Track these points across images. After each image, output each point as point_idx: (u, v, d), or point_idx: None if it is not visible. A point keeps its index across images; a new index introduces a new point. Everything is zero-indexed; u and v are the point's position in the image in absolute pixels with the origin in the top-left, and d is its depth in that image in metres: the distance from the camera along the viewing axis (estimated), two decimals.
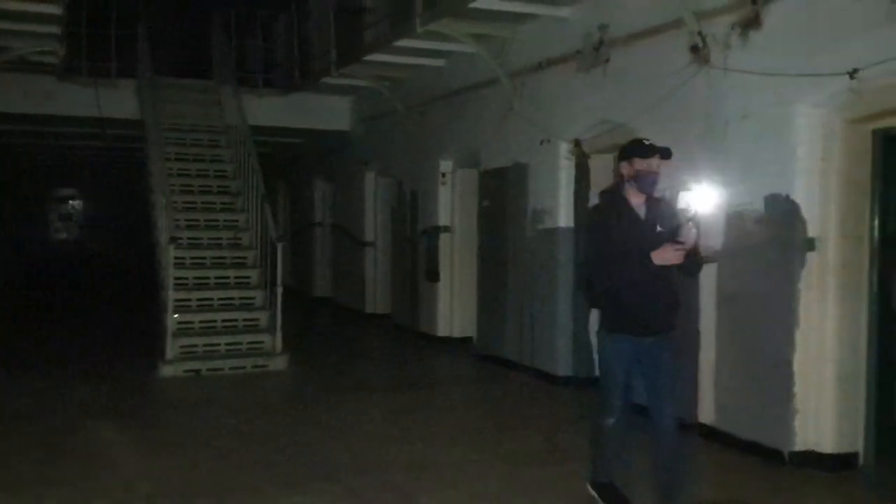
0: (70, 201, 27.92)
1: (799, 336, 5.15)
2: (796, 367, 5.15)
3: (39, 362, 8.70)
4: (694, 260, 4.11)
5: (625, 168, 4.23)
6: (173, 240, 8.08)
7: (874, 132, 5.18)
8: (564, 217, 7.64)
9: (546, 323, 7.80)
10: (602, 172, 7.62)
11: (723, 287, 5.74)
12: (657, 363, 4.20)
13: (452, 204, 10.12)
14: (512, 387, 7.80)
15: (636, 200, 4.22)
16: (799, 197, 5.22)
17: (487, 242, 9.07)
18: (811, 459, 5.13)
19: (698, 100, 5.96)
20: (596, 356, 4.38)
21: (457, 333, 10.12)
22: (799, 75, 5.13)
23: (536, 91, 7.98)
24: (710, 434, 5.74)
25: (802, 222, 5.18)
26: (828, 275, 5.13)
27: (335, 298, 14.19)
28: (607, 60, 6.94)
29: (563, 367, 7.63)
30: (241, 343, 8.49)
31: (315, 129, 13.20)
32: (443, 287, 10.15)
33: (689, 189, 4.73)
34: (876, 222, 5.17)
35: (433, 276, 10.27)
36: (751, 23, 5.60)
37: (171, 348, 8.08)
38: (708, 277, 5.62)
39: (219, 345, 8.40)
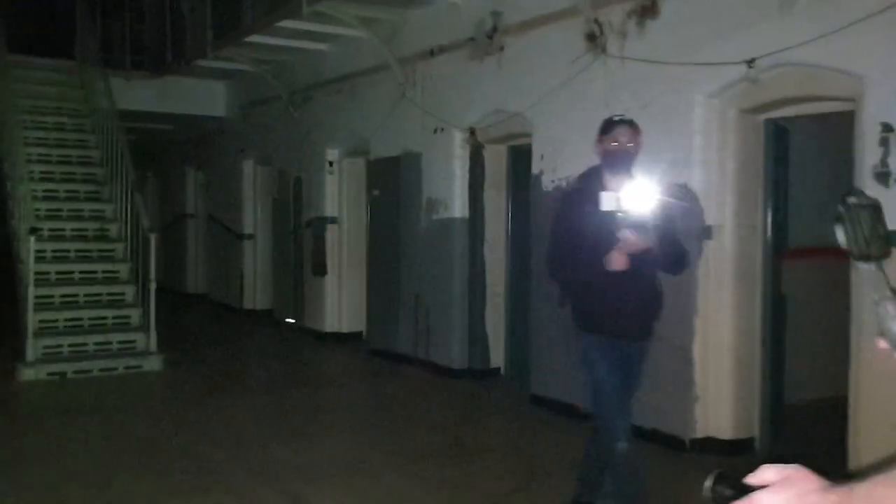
0: None
1: (698, 323, 5.19)
2: (695, 354, 5.19)
3: None
4: (655, 259, 3.62)
5: (597, 149, 3.83)
6: (33, 231, 7.35)
7: (766, 122, 5.29)
8: (460, 207, 7.48)
9: (441, 315, 7.63)
10: (496, 162, 7.53)
11: None
12: (629, 372, 3.72)
13: (340, 194, 9.78)
14: (407, 382, 7.57)
15: (613, 185, 3.65)
16: (696, 186, 5.27)
17: (378, 233, 8.81)
18: (711, 446, 5.19)
19: (596, 89, 5.93)
20: (581, 366, 3.82)
21: (346, 328, 9.80)
22: (695, 64, 5.17)
23: (429, 78, 7.77)
24: None
25: (700, 211, 5.23)
26: (725, 262, 5.20)
27: (211, 295, 13.50)
28: (502, 48, 6.82)
29: (459, 360, 7.48)
30: (111, 343, 7.84)
31: (188, 115, 12.47)
32: (330, 281, 9.80)
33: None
34: (769, 210, 5.28)
35: (320, 269, 9.89)
36: (647, 11, 5.60)
37: (33, 349, 7.35)
38: None
39: (86, 345, 7.73)
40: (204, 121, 12.67)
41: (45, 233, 8.00)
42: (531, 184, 6.53)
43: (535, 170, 6.47)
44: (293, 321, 10.44)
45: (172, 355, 8.03)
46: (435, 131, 7.68)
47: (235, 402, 6.77)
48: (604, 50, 5.87)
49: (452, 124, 7.46)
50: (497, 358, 7.55)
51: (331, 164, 9.72)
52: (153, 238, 7.85)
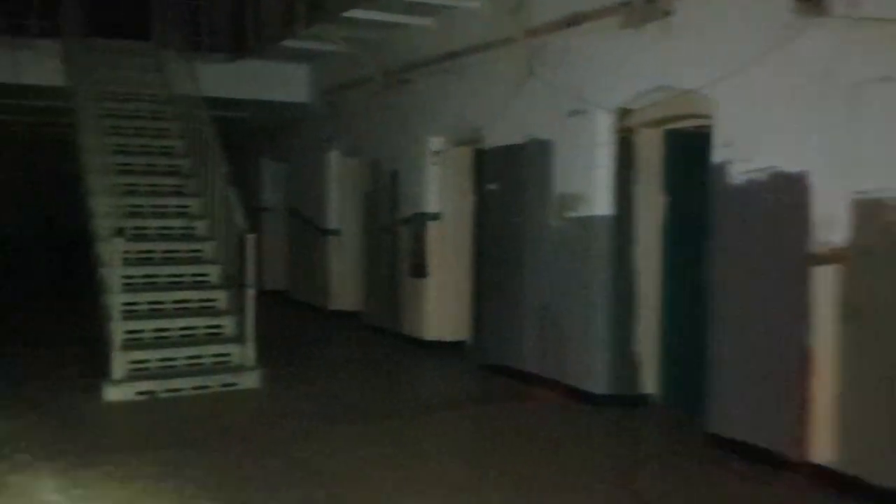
0: None
1: None
2: None
3: None
4: None
5: None
6: (120, 231, 6.49)
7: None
8: (603, 203, 6.39)
9: (578, 329, 6.56)
10: (650, 149, 6.42)
11: None
12: None
13: (443, 187, 8.77)
14: (541, 408, 6.52)
15: None
16: None
17: (491, 232, 7.78)
18: None
19: (812, 59, 4.75)
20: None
21: (447, 336, 8.82)
22: None
23: (565, 52, 6.67)
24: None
25: None
26: None
27: (291, 292, 12.67)
28: (667, 13, 5.70)
29: (601, 383, 6.40)
30: (203, 356, 6.97)
31: (266, 102, 11.57)
32: (431, 283, 8.82)
33: None
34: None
35: (419, 270, 8.92)
36: None
37: (119, 365, 6.51)
38: None
39: (176, 359, 6.87)
40: (284, 108, 11.78)
41: (130, 232, 7.14)
42: (710, 176, 5.40)
43: (715, 158, 5.34)
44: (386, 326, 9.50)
45: (268, 369, 7.13)
46: (571, 115, 6.59)
47: (355, 435, 5.80)
48: (824, 9, 4.67)
49: (595, 105, 6.36)
50: (648, 383, 6.46)
51: (436, 154, 8.71)
52: (250, 239, 6.92)
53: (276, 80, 11.22)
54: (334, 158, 11.16)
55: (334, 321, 10.83)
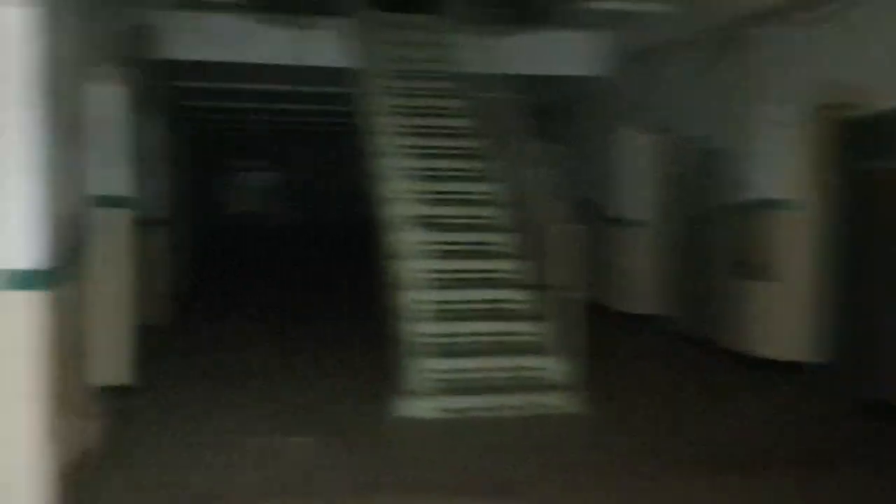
0: (251, 171, 26.70)
1: None
2: None
3: (227, 394, 6.37)
4: None
5: None
6: (419, 220, 5.53)
7: None
8: None
9: None
10: None
11: None
12: None
13: (793, 169, 7.03)
14: None
15: None
16: None
17: (866, 227, 5.96)
18: None
19: None
20: None
21: (785, 356, 7.08)
22: None
23: None
24: None
25: None
26: None
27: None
28: None
29: None
30: (516, 370, 5.87)
31: (551, 76, 10.34)
32: (768, 288, 7.13)
33: None
34: None
35: (751, 270, 7.26)
36: None
37: (415, 376, 5.58)
38: None
39: (484, 371, 5.83)
40: (568, 82, 10.53)
41: (431, 222, 6.20)
42: None
43: None
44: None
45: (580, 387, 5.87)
46: None
47: (727, 491, 4.38)
48: None
49: None
50: None
51: (783, 126, 6.99)
52: (579, 232, 5.70)
53: (563, 53, 9.96)
54: (629, 137, 9.72)
55: (623, 325, 9.41)
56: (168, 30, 8.47)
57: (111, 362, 5.78)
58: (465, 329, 6.06)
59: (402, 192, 6.33)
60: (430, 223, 6.30)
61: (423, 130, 7.47)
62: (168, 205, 10.20)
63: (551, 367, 5.88)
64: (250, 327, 9.22)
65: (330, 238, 20.73)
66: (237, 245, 20.10)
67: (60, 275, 4.07)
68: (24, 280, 3.74)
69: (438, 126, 7.65)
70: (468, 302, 6.24)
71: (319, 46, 9.05)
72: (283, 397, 6.17)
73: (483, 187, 7.23)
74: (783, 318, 7.09)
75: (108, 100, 6.02)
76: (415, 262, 5.92)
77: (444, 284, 6.28)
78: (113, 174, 6.08)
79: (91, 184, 5.18)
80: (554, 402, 5.72)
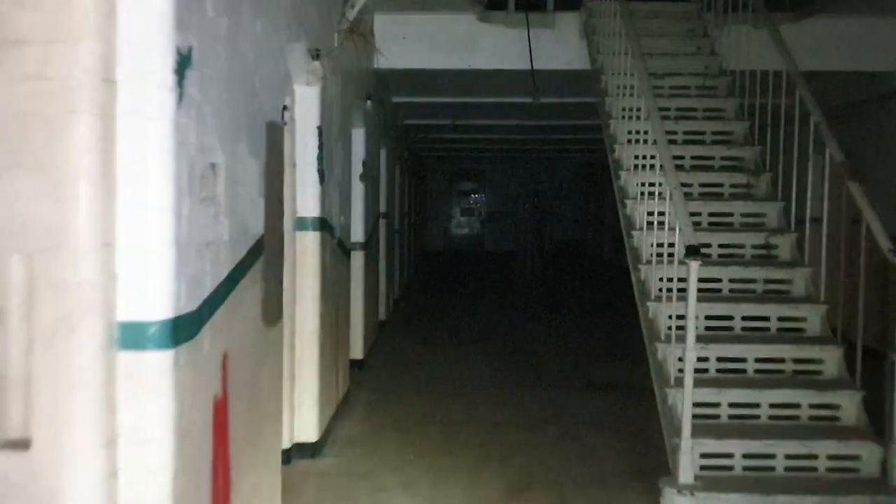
0: (472, 195, 26.38)
1: None
2: None
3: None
4: None
5: None
6: (694, 251, 4.14)
7: None
8: None
9: None
10: None
11: None
12: None
13: None
14: None
15: None
16: None
17: None
18: None
19: None
20: None
21: None
22: None
23: None
24: None
25: None
26: None
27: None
28: None
29: None
30: (814, 452, 4.30)
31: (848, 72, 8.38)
32: None
33: None
34: None
35: None
36: None
37: (687, 460, 4.18)
38: None
39: (774, 457, 4.31)
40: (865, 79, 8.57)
41: (711, 254, 4.80)
42: None
43: None
44: None
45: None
46: None
47: None
48: None
49: None
50: None
51: None
52: None
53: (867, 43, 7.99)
54: None
55: None
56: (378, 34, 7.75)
57: None
58: (739, 397, 4.56)
59: (666, 214, 4.98)
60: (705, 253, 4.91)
61: (691, 138, 6.13)
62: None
63: (870, 454, 4.24)
64: (466, 369, 8.27)
65: (555, 267, 19.66)
66: (451, 269, 19.58)
67: None
68: None
69: (690, 131, 6.28)
70: (741, 360, 4.75)
71: (551, 48, 7.96)
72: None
73: (748, 208, 5.74)
74: None
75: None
76: (690, 304, 4.52)
77: (731, 336, 4.86)
78: None
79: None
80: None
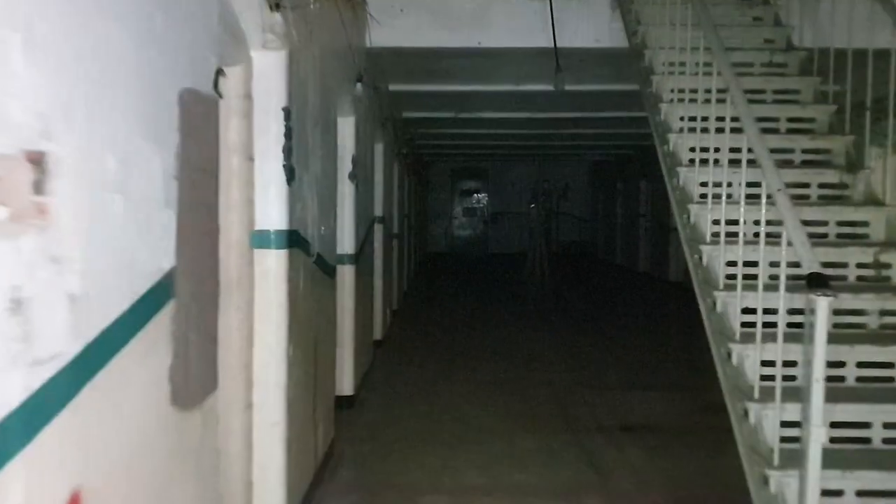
0: (476, 194, 25.11)
1: None
2: None
3: None
4: None
5: None
6: (821, 282, 2.85)
7: None
8: None
9: None
10: None
11: None
12: None
13: None
14: None
15: None
16: None
17: None
18: None
19: None
20: None
21: None
22: None
23: None
24: None
25: None
26: None
27: None
28: None
29: None
30: None
31: None
32: None
33: None
34: None
35: None
36: None
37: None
38: None
39: None
40: None
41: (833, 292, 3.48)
42: None
43: None
44: None
45: None
46: None
47: None
48: None
49: None
50: None
51: None
52: None
53: None
54: None
55: None
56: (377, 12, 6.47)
57: None
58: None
59: (741, 223, 3.73)
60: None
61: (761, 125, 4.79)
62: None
63: None
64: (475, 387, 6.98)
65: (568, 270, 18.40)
66: (454, 273, 18.32)
67: None
68: None
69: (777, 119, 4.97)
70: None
71: (575, 21, 6.69)
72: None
73: (843, 215, 4.47)
74: None
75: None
76: (817, 357, 3.24)
77: (848, 392, 3.55)
78: None
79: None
80: None
